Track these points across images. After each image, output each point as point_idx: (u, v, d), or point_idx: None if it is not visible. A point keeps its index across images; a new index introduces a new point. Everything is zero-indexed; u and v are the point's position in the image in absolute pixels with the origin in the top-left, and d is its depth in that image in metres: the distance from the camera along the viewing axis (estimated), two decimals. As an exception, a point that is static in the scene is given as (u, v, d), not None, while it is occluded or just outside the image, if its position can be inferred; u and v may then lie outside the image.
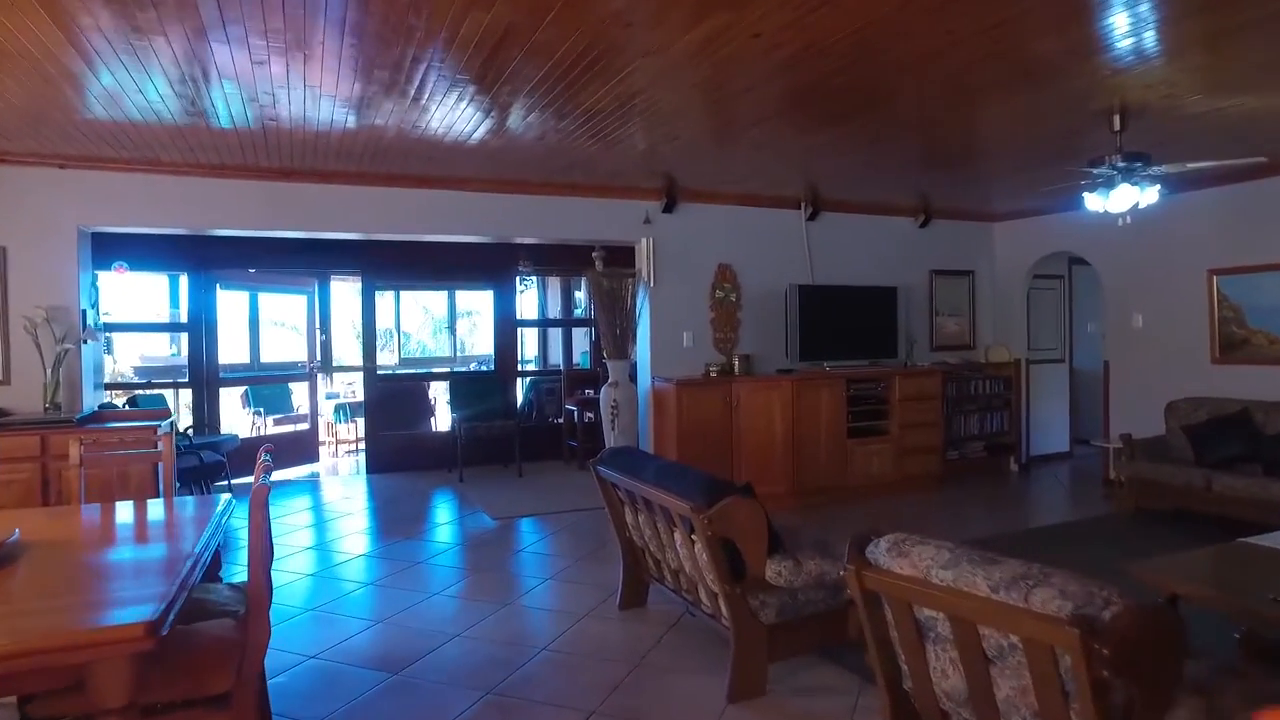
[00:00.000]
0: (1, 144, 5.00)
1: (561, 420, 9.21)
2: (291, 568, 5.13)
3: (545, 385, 9.62)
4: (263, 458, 2.85)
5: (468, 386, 8.74)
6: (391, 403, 8.77)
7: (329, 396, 11.16)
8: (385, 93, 4.07)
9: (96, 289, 10.06)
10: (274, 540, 5.92)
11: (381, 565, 5.23)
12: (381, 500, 7.40)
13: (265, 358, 9.24)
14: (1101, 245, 7.21)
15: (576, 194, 6.59)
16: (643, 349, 7.01)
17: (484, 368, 11.80)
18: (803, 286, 7.06)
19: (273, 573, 2.71)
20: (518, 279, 9.39)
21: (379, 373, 8.89)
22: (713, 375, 6.65)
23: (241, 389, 10.31)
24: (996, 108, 4.53)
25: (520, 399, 9.41)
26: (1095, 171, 4.77)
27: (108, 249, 7.27)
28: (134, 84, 3.83)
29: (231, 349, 8.86)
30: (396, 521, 6.51)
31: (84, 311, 5.41)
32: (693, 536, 3.25)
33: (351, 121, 4.55)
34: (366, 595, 4.64)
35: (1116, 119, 4.55)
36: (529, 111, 4.42)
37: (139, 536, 3.08)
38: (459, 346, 13.62)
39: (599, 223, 6.76)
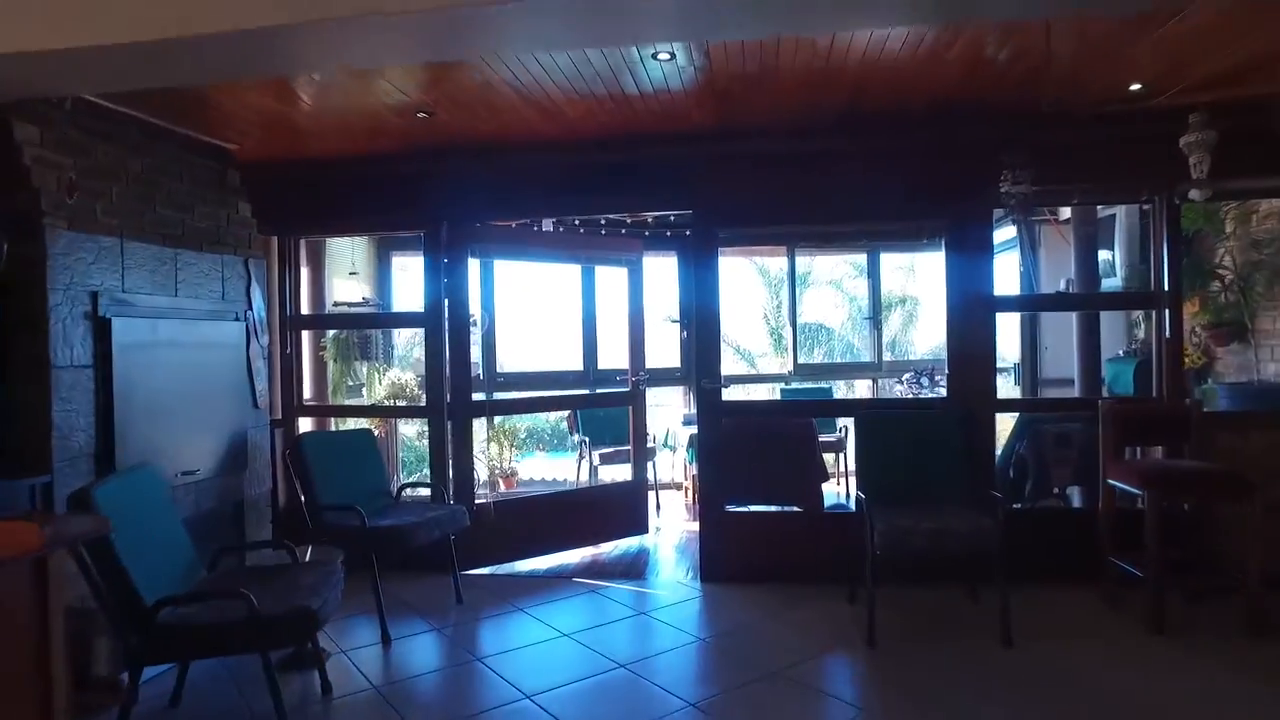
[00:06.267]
0: None
1: (1098, 502, 4.34)
2: None
3: (1052, 430, 4.80)
4: None
5: (886, 431, 4.32)
6: (745, 452, 4.76)
7: (686, 421, 7.55)
8: None
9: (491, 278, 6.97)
10: None
11: None
12: (706, 674, 3.47)
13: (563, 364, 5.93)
14: None
15: None
16: None
17: (922, 384, 7.17)
18: None
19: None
20: (993, 218, 4.68)
21: (725, 397, 4.88)
22: None
23: (560, 413, 7.27)
24: None
25: (999, 454, 4.74)
26: None
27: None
28: None
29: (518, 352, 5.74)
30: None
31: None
32: None
33: None
34: None
35: None
36: None
37: None
38: (886, 348, 9.17)
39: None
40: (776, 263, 12.48)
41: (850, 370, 9.43)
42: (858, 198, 4.63)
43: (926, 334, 12.29)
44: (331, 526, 3.99)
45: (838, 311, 12.95)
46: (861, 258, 12.45)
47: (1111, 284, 5.62)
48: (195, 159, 4.01)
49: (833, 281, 12.76)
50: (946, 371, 4.61)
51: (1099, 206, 5.49)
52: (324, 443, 4.39)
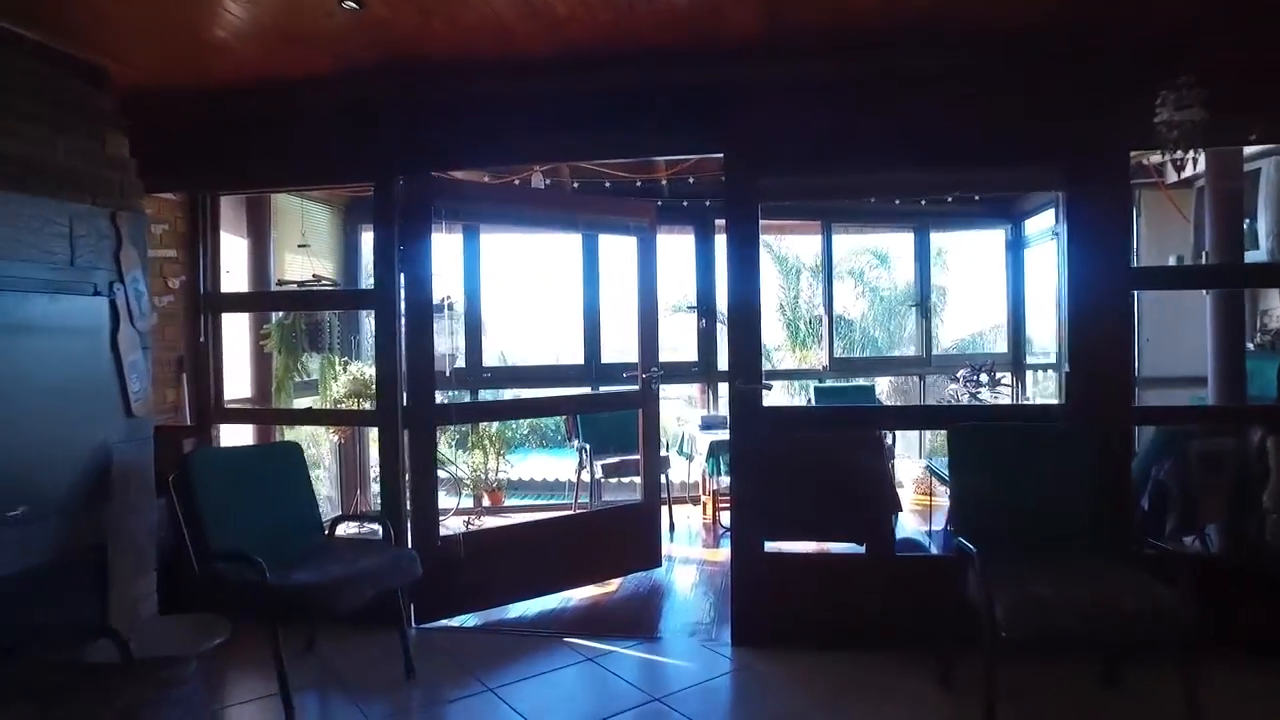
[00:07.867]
0: None
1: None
2: None
3: (1199, 449, 3.63)
4: None
5: (995, 452, 3.15)
6: (788, 472, 3.60)
7: (705, 425, 6.38)
8: None
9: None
10: None
11: None
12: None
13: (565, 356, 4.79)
14: None
15: None
16: None
17: (980, 381, 5.94)
18: None
19: None
20: (1130, 161, 3.46)
21: (765, 399, 3.69)
22: None
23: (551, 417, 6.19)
24: None
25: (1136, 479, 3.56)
26: None
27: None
28: None
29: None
30: None
31: None
32: None
33: None
34: None
35: None
36: None
37: None
38: (909, 341, 7.88)
39: None
40: (794, 248, 11.42)
41: (893, 365, 8.24)
42: (943, 136, 3.45)
43: (953, 327, 11.33)
44: (223, 582, 2.85)
45: (858, 304, 11.92)
46: (883, 244, 11.34)
47: (1252, 258, 4.43)
48: (39, 68, 2.88)
49: (853, 270, 11.70)
50: (1066, 369, 3.42)
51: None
52: (225, 462, 3.24)
